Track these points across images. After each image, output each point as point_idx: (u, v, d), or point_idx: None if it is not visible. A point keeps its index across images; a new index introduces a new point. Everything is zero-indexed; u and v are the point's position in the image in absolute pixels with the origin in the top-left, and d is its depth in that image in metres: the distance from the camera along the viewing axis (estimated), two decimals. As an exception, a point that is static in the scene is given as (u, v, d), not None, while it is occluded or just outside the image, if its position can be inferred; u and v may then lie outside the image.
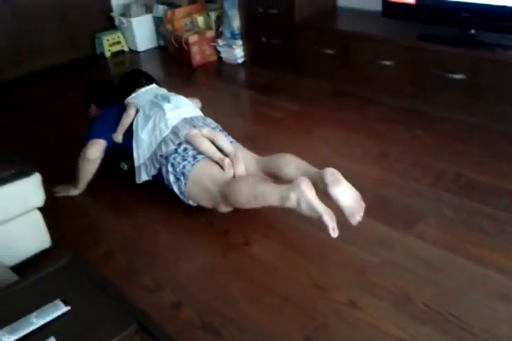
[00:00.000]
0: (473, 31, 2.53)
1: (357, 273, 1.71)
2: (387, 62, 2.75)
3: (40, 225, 1.88)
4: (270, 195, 1.72)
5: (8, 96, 3.51)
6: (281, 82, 3.32)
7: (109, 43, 4.14)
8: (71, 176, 2.26)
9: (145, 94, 2.28)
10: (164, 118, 2.07)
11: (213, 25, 3.74)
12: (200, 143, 2.00)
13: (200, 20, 3.80)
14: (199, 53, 3.73)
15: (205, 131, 2.06)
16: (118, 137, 2.20)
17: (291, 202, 1.68)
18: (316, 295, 1.64)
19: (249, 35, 3.50)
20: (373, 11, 3.01)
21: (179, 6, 3.91)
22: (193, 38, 3.66)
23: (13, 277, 1.50)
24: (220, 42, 3.68)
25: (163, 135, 2.04)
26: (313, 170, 1.83)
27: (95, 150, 2.16)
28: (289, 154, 1.96)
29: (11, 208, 1.75)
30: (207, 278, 1.76)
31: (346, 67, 2.98)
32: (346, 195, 1.70)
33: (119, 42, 4.19)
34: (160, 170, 2.06)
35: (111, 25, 4.21)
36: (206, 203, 1.96)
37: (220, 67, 3.74)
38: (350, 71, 2.97)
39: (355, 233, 1.85)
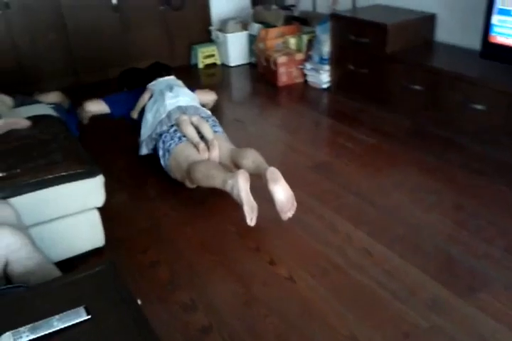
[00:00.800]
0: None
1: (399, 334, 1.60)
2: (479, 106, 2.57)
3: (96, 224, 1.99)
4: (217, 178, 2.07)
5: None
6: (362, 113, 3.23)
7: (204, 55, 4.30)
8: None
9: (161, 83, 2.71)
10: (163, 104, 2.50)
11: (304, 48, 3.74)
12: (185, 127, 2.38)
13: (292, 41, 3.82)
14: (286, 74, 3.74)
15: (195, 118, 2.43)
16: (134, 114, 2.72)
17: (228, 186, 2.02)
18: (352, 351, 1.56)
19: (337, 61, 3.45)
20: (471, 50, 2.84)
21: (274, 26, 3.96)
22: (281, 59, 3.69)
23: (56, 273, 1.57)
24: (308, 65, 3.67)
25: (161, 118, 2.48)
26: (263, 166, 2.12)
27: (92, 105, 2.77)
28: (252, 149, 2.27)
29: (71, 205, 1.87)
30: (243, 306, 1.75)
31: (433, 106, 2.83)
32: (280, 192, 2.02)
33: (213, 55, 4.34)
34: (156, 146, 2.49)
35: (208, 39, 4.38)
36: (178, 176, 2.36)
37: (304, 89, 3.73)
38: (436, 110, 2.81)
39: (409, 289, 1.76)
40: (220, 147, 2.34)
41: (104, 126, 3.08)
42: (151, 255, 2.02)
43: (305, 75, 3.77)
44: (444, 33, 3.12)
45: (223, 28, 4.20)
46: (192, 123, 2.42)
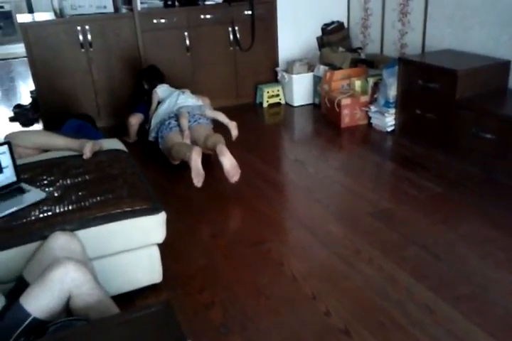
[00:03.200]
0: None
1: None
2: (557, 158, 2.42)
3: (155, 260, 2.01)
4: (182, 152, 2.89)
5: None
6: (428, 159, 3.14)
7: (269, 95, 4.40)
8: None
9: (167, 89, 3.58)
10: (176, 103, 3.33)
11: (369, 91, 3.73)
12: (181, 120, 3.18)
13: (358, 84, 3.83)
14: (349, 116, 3.74)
15: (186, 114, 3.27)
16: (152, 111, 3.52)
17: (186, 157, 2.81)
18: None
19: (403, 105, 3.40)
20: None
21: (340, 69, 3.99)
22: (345, 101, 3.69)
23: (114, 309, 1.61)
24: (373, 108, 3.64)
25: (171, 110, 3.31)
26: (217, 145, 2.86)
27: (132, 118, 3.58)
28: (216, 134, 3.06)
29: (133, 240, 1.91)
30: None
31: (504, 155, 2.70)
32: (227, 162, 2.78)
33: (277, 95, 4.42)
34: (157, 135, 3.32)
35: (273, 79, 4.48)
36: (166, 154, 3.15)
37: (367, 132, 3.69)
38: (508, 160, 2.68)
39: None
40: (199, 133, 3.13)
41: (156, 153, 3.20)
42: (207, 296, 2.01)
43: (369, 118, 3.74)
44: (519, 81, 3.02)
45: (289, 69, 4.29)
46: (187, 117, 3.26)
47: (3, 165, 1.88)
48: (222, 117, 3.33)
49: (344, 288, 2.01)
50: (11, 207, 1.83)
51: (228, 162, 2.78)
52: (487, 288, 1.95)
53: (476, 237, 2.30)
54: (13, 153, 1.90)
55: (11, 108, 4.58)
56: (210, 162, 3.11)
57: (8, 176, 1.94)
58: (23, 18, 3.99)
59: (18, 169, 1.95)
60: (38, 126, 4.18)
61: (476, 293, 1.92)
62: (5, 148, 1.88)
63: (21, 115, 4.43)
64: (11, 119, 4.42)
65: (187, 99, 3.40)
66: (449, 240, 2.28)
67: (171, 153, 3.05)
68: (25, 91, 5.24)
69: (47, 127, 3.87)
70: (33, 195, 1.92)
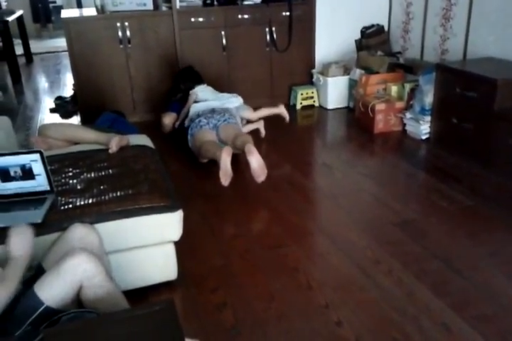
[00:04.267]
0: None
1: None
2: None
3: (171, 258, 2.02)
4: (212, 151, 2.92)
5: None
6: (461, 170, 3.02)
7: (303, 97, 4.35)
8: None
9: (204, 89, 3.64)
10: (211, 104, 3.44)
11: (405, 97, 3.63)
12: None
13: (394, 89, 3.73)
14: (383, 121, 3.65)
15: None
16: (185, 109, 3.54)
17: (216, 157, 2.81)
18: None
19: (439, 113, 3.29)
20: None
21: (377, 73, 3.91)
22: (380, 106, 3.61)
23: (124, 303, 1.62)
24: (408, 114, 3.54)
25: (208, 108, 3.39)
26: (245, 144, 2.84)
27: (165, 118, 3.62)
28: (245, 135, 3.12)
29: (149, 236, 1.92)
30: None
31: (544, 170, 2.57)
32: (254, 161, 2.76)
33: (311, 97, 4.37)
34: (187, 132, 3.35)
35: (308, 81, 4.43)
36: (196, 152, 3.19)
37: (400, 139, 3.60)
38: (547, 175, 2.55)
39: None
40: (228, 132, 3.14)
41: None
42: (220, 296, 2.00)
43: (404, 124, 3.64)
44: None
45: (325, 71, 4.24)
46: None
47: (35, 172, 1.89)
48: (265, 111, 3.62)
49: (359, 298, 1.95)
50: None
51: (256, 161, 2.77)
52: (510, 311, 1.85)
53: (505, 255, 2.19)
54: (45, 163, 1.88)
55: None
56: (238, 161, 3.10)
57: (41, 184, 1.91)
58: (66, 13, 4.10)
59: (51, 179, 1.92)
60: (76, 119, 4.29)
61: (499, 315, 1.83)
62: (37, 156, 1.86)
63: (61, 107, 4.57)
64: (52, 110, 4.57)
65: (230, 103, 3.47)
66: (475, 256, 2.18)
67: (200, 152, 3.06)
68: (69, 83, 5.41)
69: (84, 120, 3.98)
70: (32, 215, 1.80)
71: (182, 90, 3.72)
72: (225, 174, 2.74)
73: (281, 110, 3.68)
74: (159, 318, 1.33)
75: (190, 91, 3.60)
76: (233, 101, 3.53)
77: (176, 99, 3.77)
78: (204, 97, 3.55)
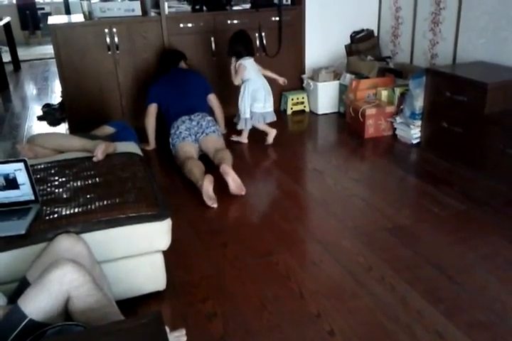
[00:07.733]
0: None
1: None
2: None
3: (159, 268, 1.98)
4: (194, 177, 2.87)
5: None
6: (452, 174, 3.01)
7: (293, 102, 4.34)
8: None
9: (252, 67, 3.49)
10: (259, 86, 3.50)
11: (395, 101, 3.63)
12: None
13: (384, 94, 3.73)
14: (373, 126, 3.64)
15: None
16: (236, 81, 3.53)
17: (200, 186, 2.77)
18: None
19: (430, 117, 3.28)
20: None
21: (367, 78, 3.90)
22: (370, 111, 3.60)
23: (115, 311, 1.59)
24: (398, 119, 3.53)
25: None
26: (222, 162, 2.91)
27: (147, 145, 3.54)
28: (225, 151, 3.11)
29: (137, 246, 1.88)
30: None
31: (535, 174, 2.57)
32: (231, 181, 2.81)
33: (302, 103, 4.36)
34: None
35: (299, 86, 4.42)
36: (178, 162, 3.16)
37: (391, 144, 3.58)
38: (538, 179, 2.54)
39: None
40: (208, 146, 3.19)
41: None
42: (210, 306, 1.96)
43: (394, 129, 3.63)
44: (554, 96, 2.86)
45: (315, 76, 4.22)
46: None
47: (19, 181, 1.84)
48: (271, 74, 3.65)
49: (352, 306, 1.92)
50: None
51: (232, 181, 2.80)
52: (505, 317, 1.83)
53: (498, 260, 2.17)
54: (30, 172, 1.84)
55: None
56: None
57: (26, 193, 1.87)
58: (53, 19, 4.06)
59: (36, 189, 1.87)
60: (64, 127, 4.24)
61: (493, 322, 1.81)
62: (21, 165, 1.82)
63: (49, 114, 4.51)
64: (39, 118, 4.51)
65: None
66: (468, 262, 2.16)
67: (183, 167, 3.03)
68: (57, 90, 5.35)
69: (72, 128, 3.93)
70: (15, 226, 1.75)
71: (229, 51, 3.49)
72: (210, 199, 2.74)
73: (281, 79, 3.70)
74: (147, 331, 1.30)
75: (239, 62, 3.43)
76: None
77: (156, 82, 3.56)
78: (248, 76, 3.43)
